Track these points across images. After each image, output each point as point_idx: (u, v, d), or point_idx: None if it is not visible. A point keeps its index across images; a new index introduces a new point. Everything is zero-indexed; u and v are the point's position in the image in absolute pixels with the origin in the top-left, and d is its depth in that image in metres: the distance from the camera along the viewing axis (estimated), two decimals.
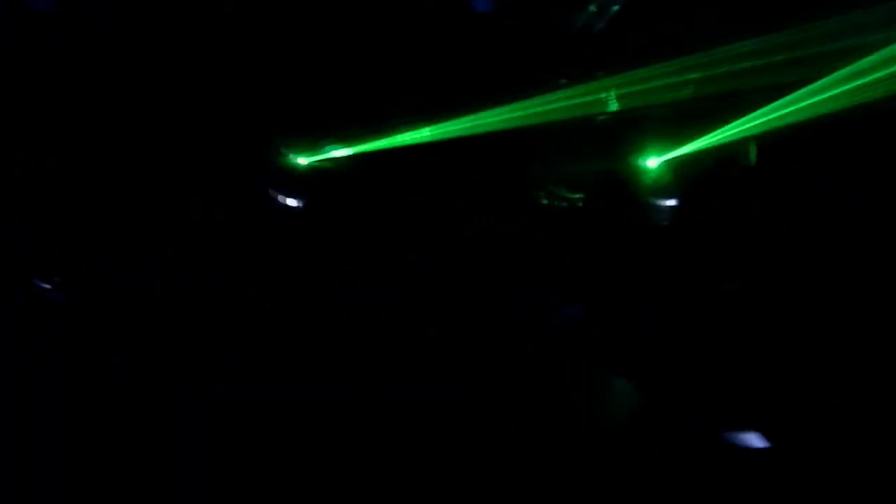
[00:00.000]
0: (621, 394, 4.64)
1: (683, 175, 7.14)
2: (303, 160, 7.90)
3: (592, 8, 6.95)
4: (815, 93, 6.42)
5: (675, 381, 4.86)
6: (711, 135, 6.95)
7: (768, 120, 6.70)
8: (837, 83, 6.30)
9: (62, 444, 3.92)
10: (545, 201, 7.31)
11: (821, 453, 4.30)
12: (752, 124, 6.76)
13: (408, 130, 7.50)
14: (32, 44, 7.61)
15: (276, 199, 7.72)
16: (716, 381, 4.87)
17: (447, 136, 7.42)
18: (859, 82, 6.21)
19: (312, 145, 7.81)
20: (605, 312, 5.69)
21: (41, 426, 3.97)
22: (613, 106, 7.03)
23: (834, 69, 6.25)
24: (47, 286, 5.92)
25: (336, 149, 7.73)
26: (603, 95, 7.06)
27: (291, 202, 7.72)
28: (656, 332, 5.33)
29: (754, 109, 6.70)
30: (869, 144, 6.54)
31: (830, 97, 6.35)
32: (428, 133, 7.45)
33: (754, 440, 4.45)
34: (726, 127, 6.85)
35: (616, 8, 6.87)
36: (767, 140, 6.81)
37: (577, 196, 7.28)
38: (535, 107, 7.21)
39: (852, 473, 4.10)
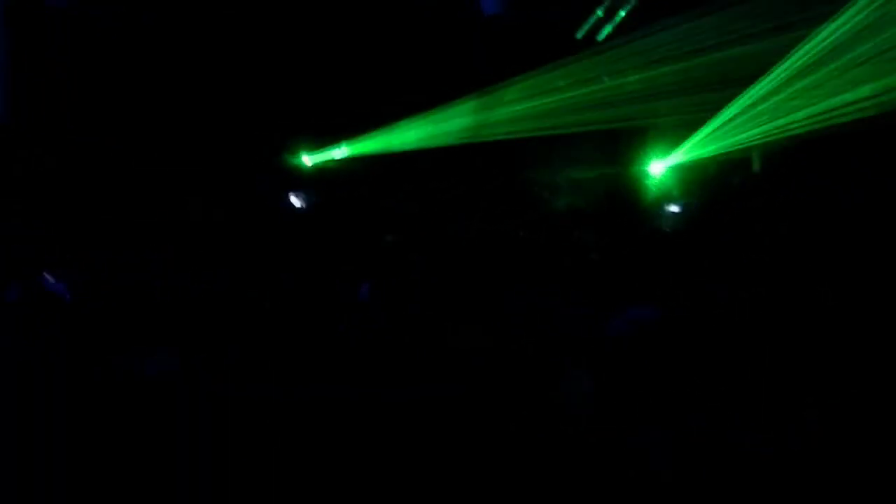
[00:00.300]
0: (621, 393, 4.64)
1: (684, 180, 7.14)
2: (303, 161, 7.90)
3: (599, 13, 6.92)
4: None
5: (675, 381, 4.86)
6: (715, 141, 6.93)
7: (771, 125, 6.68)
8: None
9: (62, 444, 3.91)
10: (546, 203, 7.30)
11: (821, 453, 4.30)
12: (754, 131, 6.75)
13: (408, 131, 7.50)
14: (32, 44, 7.62)
15: (275, 200, 7.72)
16: (716, 381, 4.87)
17: (448, 137, 7.42)
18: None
19: (312, 146, 7.81)
20: (606, 313, 5.69)
21: (41, 426, 3.97)
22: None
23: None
24: (48, 286, 5.92)
25: (337, 149, 7.73)
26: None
27: (292, 202, 7.72)
28: (657, 332, 5.33)
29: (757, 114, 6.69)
30: (868, 145, 6.54)
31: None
32: (429, 134, 7.44)
33: (754, 440, 4.45)
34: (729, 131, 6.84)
35: (623, 13, 6.85)
36: (769, 143, 6.81)
37: (578, 198, 7.28)
38: (537, 109, 7.20)
39: (853, 473, 4.10)
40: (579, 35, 7.09)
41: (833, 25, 6.08)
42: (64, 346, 4.70)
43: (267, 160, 7.79)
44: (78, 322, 5.26)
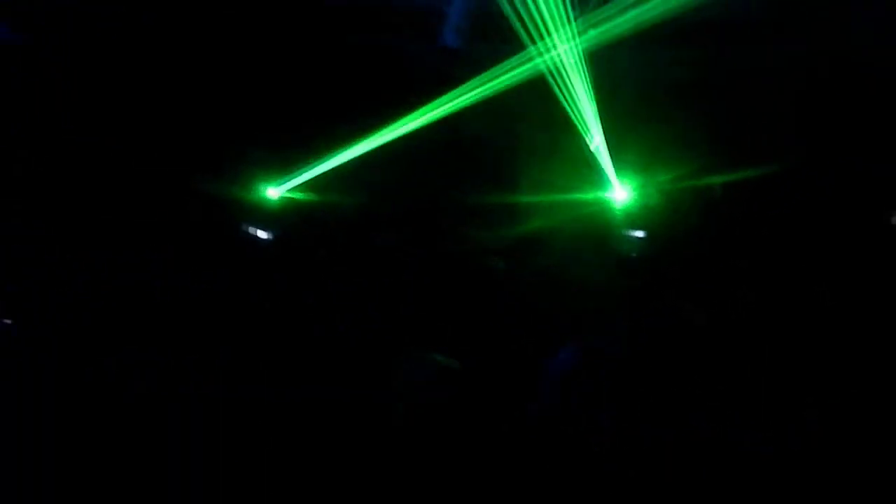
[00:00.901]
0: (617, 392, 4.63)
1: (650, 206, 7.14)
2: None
3: None
4: None
5: (675, 382, 4.86)
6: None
7: None
8: None
9: (52, 446, 3.92)
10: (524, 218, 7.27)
11: (821, 453, 4.29)
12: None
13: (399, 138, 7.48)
14: (32, 42, 7.63)
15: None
16: (716, 381, 4.87)
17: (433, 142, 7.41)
18: None
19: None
20: (605, 316, 5.69)
21: (32, 428, 3.98)
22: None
23: None
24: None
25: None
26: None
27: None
28: (657, 333, 5.33)
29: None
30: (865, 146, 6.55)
31: None
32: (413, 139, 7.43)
33: (754, 440, 4.44)
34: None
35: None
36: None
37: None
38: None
39: (852, 473, 4.09)
40: None
41: None
42: (56, 347, 4.70)
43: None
44: (70, 323, 5.27)
